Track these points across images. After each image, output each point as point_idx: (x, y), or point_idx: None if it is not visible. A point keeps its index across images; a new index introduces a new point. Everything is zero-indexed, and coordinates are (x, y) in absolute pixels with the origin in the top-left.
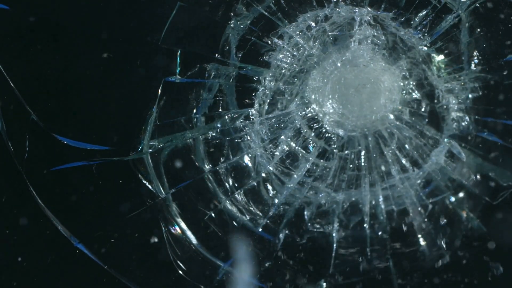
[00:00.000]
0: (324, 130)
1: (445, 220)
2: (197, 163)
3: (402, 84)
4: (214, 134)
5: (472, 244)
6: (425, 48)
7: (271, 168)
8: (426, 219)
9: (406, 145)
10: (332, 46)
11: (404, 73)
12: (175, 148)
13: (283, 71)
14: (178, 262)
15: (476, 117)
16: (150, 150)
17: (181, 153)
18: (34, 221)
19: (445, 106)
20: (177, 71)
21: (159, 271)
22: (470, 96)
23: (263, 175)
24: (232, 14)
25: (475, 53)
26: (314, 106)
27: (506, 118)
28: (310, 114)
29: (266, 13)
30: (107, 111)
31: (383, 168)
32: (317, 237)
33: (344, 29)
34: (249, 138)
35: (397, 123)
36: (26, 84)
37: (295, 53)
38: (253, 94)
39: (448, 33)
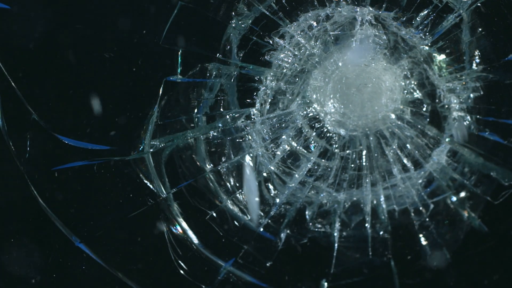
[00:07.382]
0: (325, 130)
1: (446, 220)
2: (198, 163)
3: (403, 83)
4: (215, 133)
5: (473, 243)
6: (427, 48)
7: (272, 168)
8: (427, 219)
9: (408, 145)
10: (334, 45)
11: (405, 72)
12: (176, 147)
13: (285, 70)
14: (179, 262)
15: (478, 116)
16: (151, 150)
17: (182, 152)
18: (34, 220)
19: (446, 106)
20: (178, 71)
21: (160, 271)
22: (471, 95)
23: (264, 174)
24: (233, 13)
25: (476, 53)
26: (315, 105)
27: (508, 118)
28: (311, 114)
29: (267, 13)
30: (108, 111)
31: (384, 167)
32: (319, 237)
33: (345, 29)
34: (250, 137)
35: (399, 122)
36: (27, 83)
37: (296, 53)
38: (255, 93)
39: (450, 32)
